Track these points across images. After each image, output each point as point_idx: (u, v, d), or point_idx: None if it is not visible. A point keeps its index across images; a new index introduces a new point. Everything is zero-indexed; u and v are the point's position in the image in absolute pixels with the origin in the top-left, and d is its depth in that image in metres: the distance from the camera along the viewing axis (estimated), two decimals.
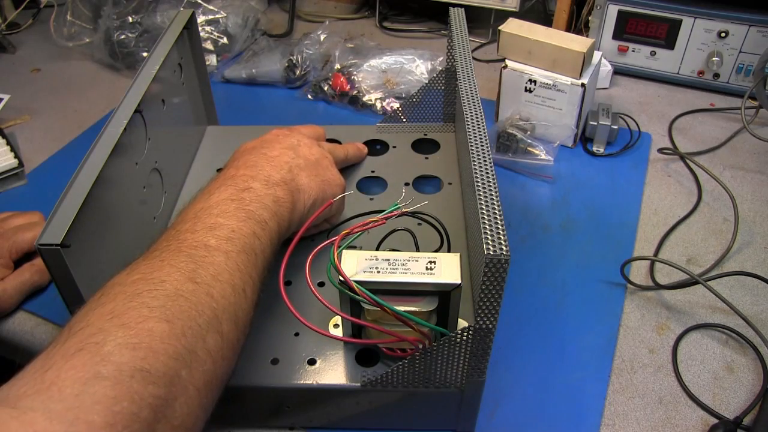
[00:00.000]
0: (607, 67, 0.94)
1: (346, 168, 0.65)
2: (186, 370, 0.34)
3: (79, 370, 0.31)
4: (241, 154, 0.53)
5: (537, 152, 0.78)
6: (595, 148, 0.81)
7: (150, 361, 0.32)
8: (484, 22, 1.10)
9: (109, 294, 0.36)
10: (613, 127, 0.80)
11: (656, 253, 0.68)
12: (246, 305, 0.41)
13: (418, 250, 0.50)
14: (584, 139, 0.83)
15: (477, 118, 0.48)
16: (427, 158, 0.67)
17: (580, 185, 0.77)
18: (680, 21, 0.89)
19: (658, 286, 0.63)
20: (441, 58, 0.94)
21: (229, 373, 0.40)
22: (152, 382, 0.32)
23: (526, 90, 0.80)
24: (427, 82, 0.70)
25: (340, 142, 0.68)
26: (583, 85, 0.76)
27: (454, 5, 0.67)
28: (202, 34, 0.99)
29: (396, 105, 0.85)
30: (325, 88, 0.93)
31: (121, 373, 0.31)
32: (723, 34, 0.87)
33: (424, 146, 0.69)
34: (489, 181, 0.41)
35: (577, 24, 1.01)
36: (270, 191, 0.48)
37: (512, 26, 0.80)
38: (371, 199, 0.62)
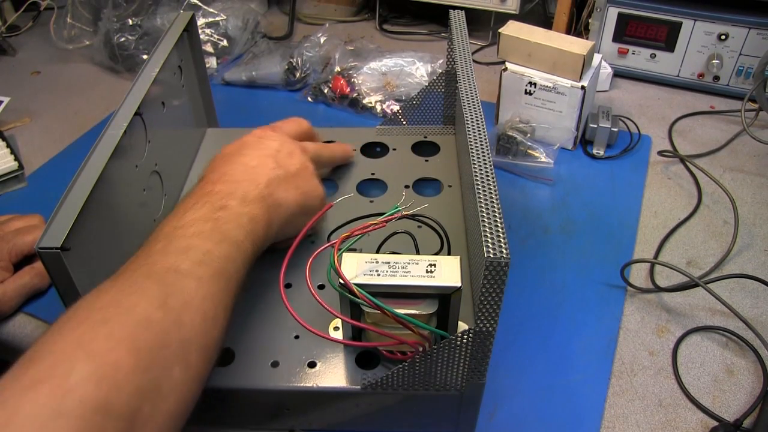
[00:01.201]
0: (607, 70, 0.94)
1: (346, 171, 0.65)
2: (149, 404, 0.33)
3: (40, 405, 0.29)
4: (219, 164, 0.50)
5: (537, 155, 0.78)
6: (595, 151, 0.82)
7: (113, 396, 0.31)
8: (484, 24, 1.10)
9: (76, 319, 0.34)
10: (613, 129, 0.80)
11: (656, 256, 0.68)
12: (216, 333, 0.40)
13: (418, 252, 0.50)
14: (584, 141, 0.83)
15: (477, 120, 0.48)
16: (427, 161, 0.67)
17: (580, 188, 0.77)
18: (680, 23, 0.89)
19: (658, 289, 0.63)
20: (441, 61, 0.94)
21: (194, 404, 0.38)
22: (114, 418, 0.31)
23: (526, 92, 0.80)
24: (427, 84, 0.70)
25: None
26: (583, 87, 0.76)
27: (454, 8, 0.67)
28: (202, 36, 0.99)
29: (396, 107, 0.85)
30: (325, 91, 0.93)
31: (83, 408, 0.30)
32: (723, 37, 0.87)
33: (424, 149, 0.69)
34: (489, 184, 0.41)
35: (577, 26, 1.01)
36: (246, 209, 0.46)
37: (512, 29, 0.80)
38: (371, 201, 0.62)
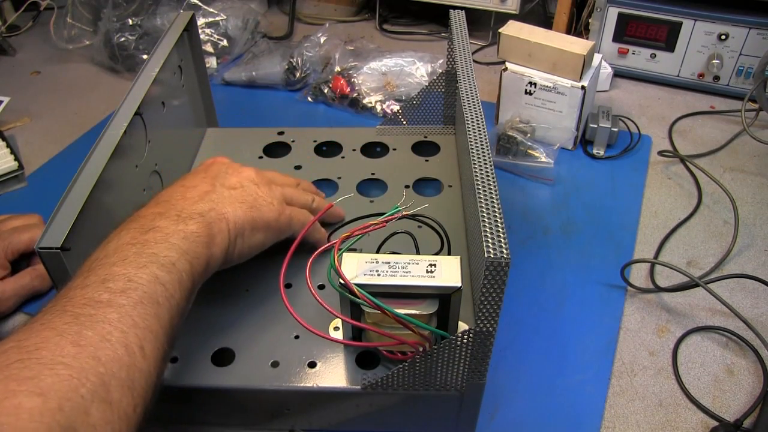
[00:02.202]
0: (607, 70, 0.94)
1: (346, 171, 0.65)
2: None
3: None
4: (163, 190, 0.48)
5: (537, 155, 0.78)
6: (595, 151, 0.82)
7: None
8: (484, 24, 1.10)
9: None
10: (613, 129, 0.80)
11: (656, 256, 0.68)
12: (145, 365, 0.35)
13: (418, 252, 0.50)
14: (584, 141, 0.83)
15: (477, 120, 0.48)
16: (427, 161, 0.67)
17: (580, 188, 0.77)
18: (680, 23, 0.89)
19: (659, 289, 0.63)
20: (441, 61, 0.94)
21: None
22: None
23: (526, 92, 0.80)
24: (427, 84, 0.70)
25: (340, 145, 0.68)
26: (583, 87, 0.76)
27: (455, 8, 0.67)
28: (201, 36, 0.99)
29: (396, 107, 0.85)
30: (325, 91, 0.93)
31: None
32: (723, 37, 0.87)
33: (425, 149, 0.69)
34: (489, 184, 0.41)
35: (577, 26, 1.01)
36: (180, 227, 0.42)
37: (512, 29, 0.80)
38: (371, 201, 0.62)
